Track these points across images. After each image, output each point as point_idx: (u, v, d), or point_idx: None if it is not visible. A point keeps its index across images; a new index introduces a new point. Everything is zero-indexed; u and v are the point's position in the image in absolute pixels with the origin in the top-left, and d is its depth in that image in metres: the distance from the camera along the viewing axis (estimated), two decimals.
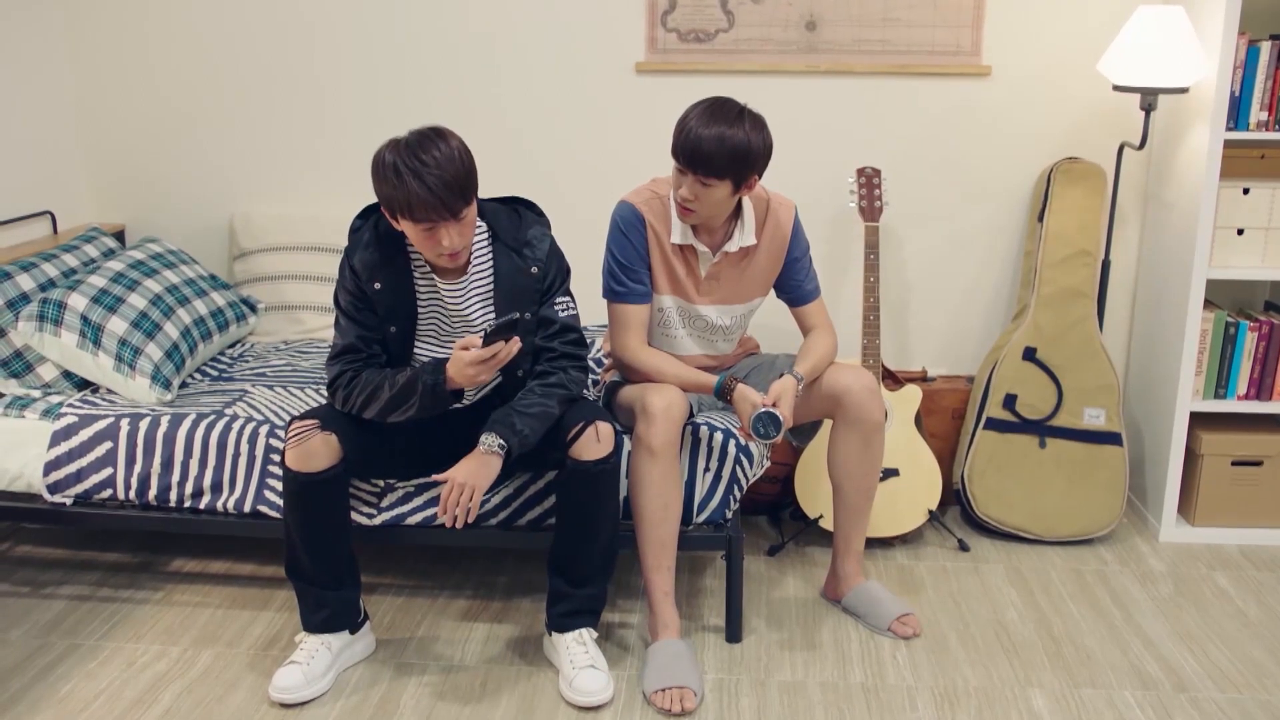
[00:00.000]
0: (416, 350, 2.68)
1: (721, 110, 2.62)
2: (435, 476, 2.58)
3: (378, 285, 2.57)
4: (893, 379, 3.58)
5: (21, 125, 3.55)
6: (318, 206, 3.82)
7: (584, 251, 3.63)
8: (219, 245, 3.88)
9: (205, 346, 3.35)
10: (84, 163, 3.83)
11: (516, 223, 2.68)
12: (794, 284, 2.94)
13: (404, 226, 2.46)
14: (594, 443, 2.59)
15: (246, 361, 3.45)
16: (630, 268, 2.80)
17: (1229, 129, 3.21)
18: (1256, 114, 3.21)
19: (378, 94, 3.74)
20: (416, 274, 2.62)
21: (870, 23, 3.58)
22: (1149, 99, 3.29)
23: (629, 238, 2.79)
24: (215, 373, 3.36)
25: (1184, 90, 3.24)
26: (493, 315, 2.64)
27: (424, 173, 2.35)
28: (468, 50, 3.69)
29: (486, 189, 3.78)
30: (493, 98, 3.72)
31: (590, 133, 3.72)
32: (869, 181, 3.49)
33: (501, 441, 2.52)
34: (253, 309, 3.64)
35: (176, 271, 3.41)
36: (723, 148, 2.59)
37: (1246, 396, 3.41)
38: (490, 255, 2.65)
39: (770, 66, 3.62)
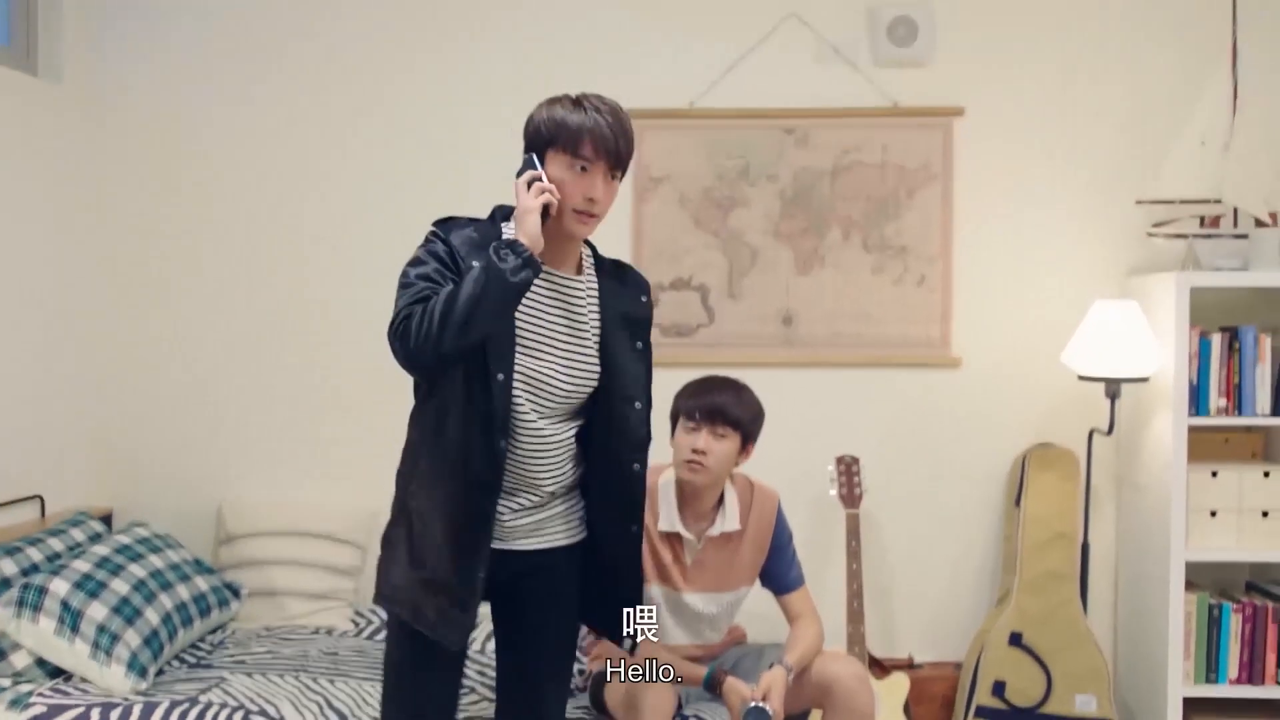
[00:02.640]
0: (519, 355, 2.26)
1: (719, 378, 2.90)
2: None
3: (475, 264, 2.14)
4: (879, 667, 3.54)
5: (15, 410, 3.62)
6: (308, 493, 3.86)
7: None
8: (207, 529, 3.88)
9: (185, 633, 3.31)
10: (75, 447, 3.88)
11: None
12: (778, 572, 2.97)
13: (557, 162, 2.20)
14: None
15: (226, 648, 3.40)
16: None
17: (1191, 415, 3.33)
18: (1216, 400, 3.34)
19: (369, 382, 3.85)
20: None
21: (844, 317, 3.77)
22: (1113, 387, 3.43)
23: None
24: (194, 660, 3.30)
25: (1145, 379, 3.38)
26: (598, 322, 2.33)
27: (604, 110, 2.21)
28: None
29: None
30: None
31: None
32: (848, 469, 3.57)
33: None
34: (236, 594, 3.61)
35: (162, 556, 3.41)
36: (738, 399, 2.83)
37: (1239, 680, 3.37)
38: (594, 270, 2.40)
39: (750, 359, 3.77)
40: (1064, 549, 3.53)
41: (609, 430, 2.33)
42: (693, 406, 2.83)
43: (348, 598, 3.73)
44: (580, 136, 2.18)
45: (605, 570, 2.38)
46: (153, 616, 3.18)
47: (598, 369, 2.30)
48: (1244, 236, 3.46)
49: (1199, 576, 3.61)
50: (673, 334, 3.80)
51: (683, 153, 3.79)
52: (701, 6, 3.80)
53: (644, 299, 2.44)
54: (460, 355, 2.13)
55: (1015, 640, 3.47)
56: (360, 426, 3.86)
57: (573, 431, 2.33)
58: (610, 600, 2.38)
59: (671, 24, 3.82)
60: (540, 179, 2.17)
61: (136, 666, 3.04)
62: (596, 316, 2.33)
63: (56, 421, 3.78)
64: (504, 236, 2.22)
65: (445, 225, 2.28)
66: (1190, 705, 3.42)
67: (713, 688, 2.74)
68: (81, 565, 3.15)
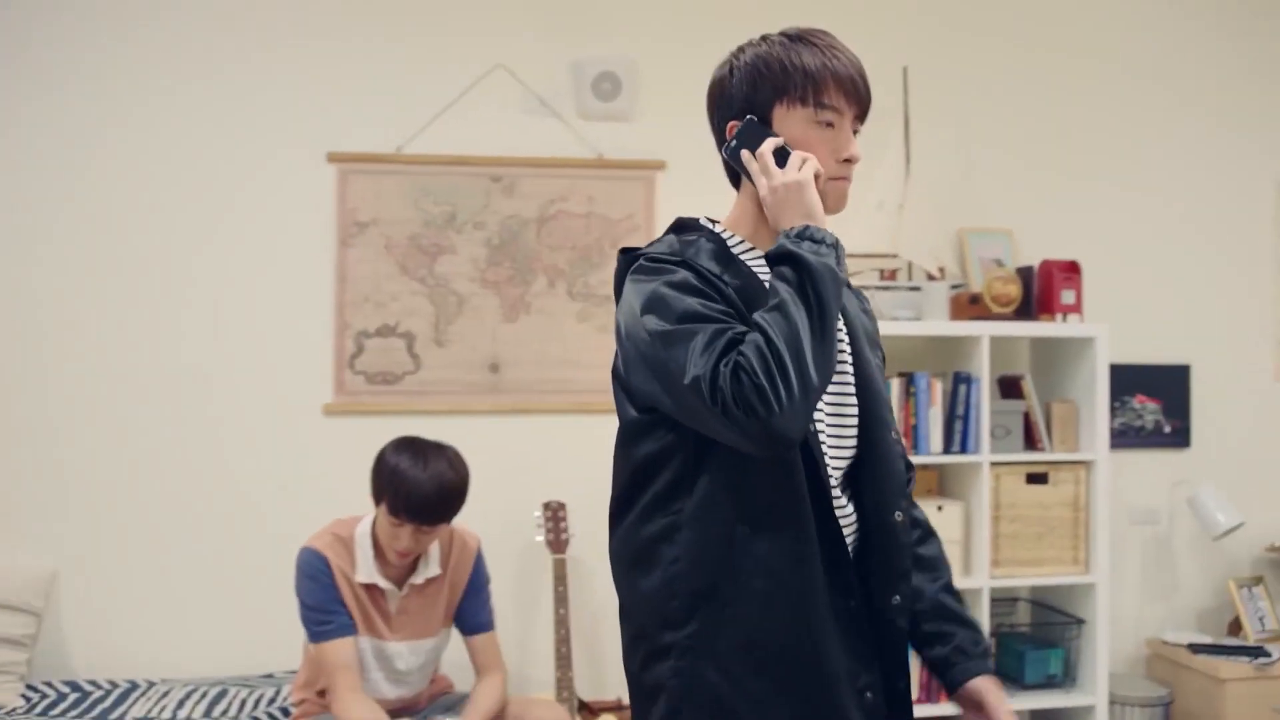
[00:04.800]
0: None
1: (424, 454, 2.72)
2: None
3: (737, 280, 1.62)
4: (588, 710, 3.57)
5: None
6: None
7: (281, 597, 3.49)
8: None
9: None
10: None
11: None
12: (470, 612, 2.97)
13: (791, 119, 1.66)
14: None
15: None
16: (326, 608, 2.77)
17: None
18: None
19: (40, 426, 3.58)
20: (757, 269, 1.69)
21: (550, 365, 3.81)
22: None
23: (317, 581, 2.78)
24: None
25: None
26: (844, 332, 1.72)
27: (837, 44, 1.71)
28: (148, 389, 3.62)
29: (169, 533, 3.63)
30: (177, 440, 3.64)
31: (279, 475, 3.68)
32: (554, 515, 3.60)
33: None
34: None
35: None
36: (445, 496, 2.69)
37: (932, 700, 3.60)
38: None
39: (456, 406, 3.75)
40: None
41: (871, 469, 1.68)
42: (401, 507, 2.70)
43: (19, 671, 3.41)
44: (822, 80, 1.64)
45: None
46: None
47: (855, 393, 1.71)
48: (917, 289, 3.74)
49: None
50: (378, 382, 3.73)
51: (389, 198, 3.75)
52: (410, 53, 3.78)
53: (866, 303, 1.89)
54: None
55: None
56: (31, 478, 3.57)
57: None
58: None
59: (379, 69, 3.78)
60: (788, 146, 1.64)
61: None
62: (840, 323, 1.71)
63: None
64: (730, 241, 1.70)
65: (673, 247, 1.66)
66: None
67: None
68: None
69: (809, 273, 1.52)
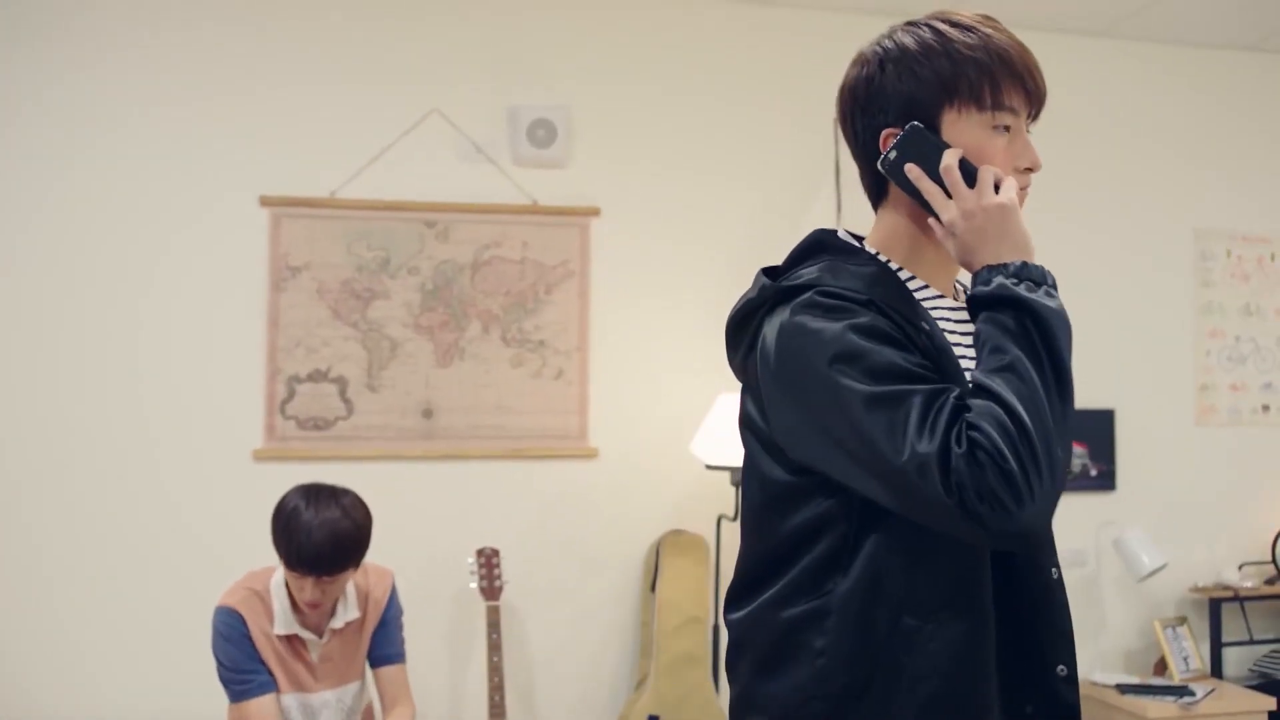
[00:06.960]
0: None
1: (316, 502, 2.65)
2: None
3: (926, 325, 1.36)
4: None
5: None
6: None
7: (208, 647, 3.42)
8: None
9: None
10: None
11: None
12: (379, 643, 2.92)
13: (963, 125, 1.38)
14: None
15: None
16: (244, 667, 2.71)
17: None
18: None
19: None
20: (930, 309, 1.43)
21: (484, 410, 3.79)
22: (737, 476, 3.62)
23: (233, 641, 2.72)
24: None
25: None
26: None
27: (1005, 30, 1.46)
28: (75, 433, 3.55)
29: (94, 580, 3.55)
30: (104, 485, 3.56)
31: (207, 522, 3.61)
32: (488, 561, 3.57)
33: None
34: None
35: None
36: (339, 545, 2.61)
37: None
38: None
39: (389, 452, 3.72)
40: (696, 632, 3.68)
41: None
42: (296, 561, 2.61)
43: None
44: (998, 78, 1.37)
45: None
46: None
47: None
48: None
49: None
50: (310, 427, 3.69)
51: (322, 243, 3.72)
52: (345, 97, 3.77)
53: None
54: None
55: None
56: None
57: None
58: None
59: (314, 112, 3.77)
60: (967, 161, 1.37)
61: None
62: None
63: None
64: (902, 275, 1.43)
65: (840, 276, 1.36)
66: None
67: None
68: None
69: (1040, 322, 1.26)
